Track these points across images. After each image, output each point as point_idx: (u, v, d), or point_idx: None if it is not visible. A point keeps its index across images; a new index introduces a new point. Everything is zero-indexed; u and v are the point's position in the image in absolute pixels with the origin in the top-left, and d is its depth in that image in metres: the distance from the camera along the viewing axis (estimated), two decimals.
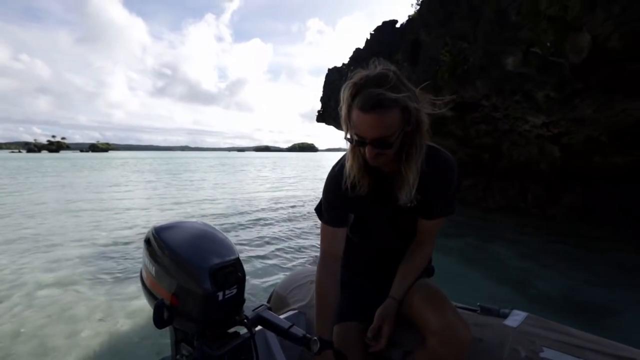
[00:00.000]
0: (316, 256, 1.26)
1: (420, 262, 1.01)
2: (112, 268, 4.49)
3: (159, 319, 0.76)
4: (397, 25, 7.89)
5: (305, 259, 4.90)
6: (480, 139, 8.14)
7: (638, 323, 3.03)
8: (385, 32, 7.96)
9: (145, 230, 0.88)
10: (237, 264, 0.85)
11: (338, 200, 1.01)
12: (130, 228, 6.79)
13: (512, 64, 4.56)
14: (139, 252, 3.63)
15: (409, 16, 7.47)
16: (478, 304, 1.06)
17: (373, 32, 8.13)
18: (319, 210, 1.08)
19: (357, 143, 0.87)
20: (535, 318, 0.96)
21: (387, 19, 8.59)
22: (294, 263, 4.72)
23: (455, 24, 5.72)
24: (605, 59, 3.66)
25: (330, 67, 12.25)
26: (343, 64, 9.15)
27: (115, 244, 5.65)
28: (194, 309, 0.77)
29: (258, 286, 3.87)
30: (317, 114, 14.70)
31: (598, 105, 5.59)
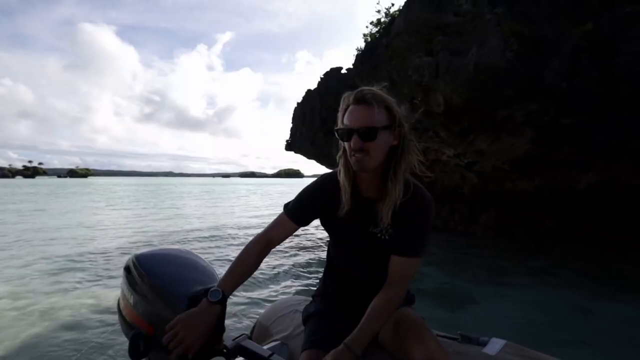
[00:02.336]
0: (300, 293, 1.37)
1: (386, 308, 0.92)
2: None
3: (134, 350, 0.74)
4: (343, 71, 9.36)
5: (290, 287, 4.83)
6: (417, 167, 9.44)
7: (486, 307, 4.08)
8: (333, 77, 9.40)
9: None
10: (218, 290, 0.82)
11: (312, 201, 1.03)
12: None
13: (404, 111, 5.88)
14: None
15: (352, 65, 8.96)
16: (458, 332, 1.07)
17: (323, 77, 9.56)
18: (287, 204, 1.07)
19: (345, 133, 0.89)
20: (513, 346, 0.96)
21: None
22: (279, 292, 4.64)
23: (378, 75, 7.13)
24: (459, 109, 4.99)
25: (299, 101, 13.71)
26: (297, 103, 10.50)
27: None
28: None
29: (242, 315, 3.67)
30: (285, 142, 15.99)
31: (491, 141, 6.98)
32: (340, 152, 0.96)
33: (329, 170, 1.13)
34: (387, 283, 0.96)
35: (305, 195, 1.05)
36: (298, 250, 7.08)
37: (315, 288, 1.22)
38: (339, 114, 0.93)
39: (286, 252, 6.76)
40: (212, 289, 0.87)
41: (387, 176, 0.91)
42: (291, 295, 1.51)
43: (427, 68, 4.75)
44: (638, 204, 8.01)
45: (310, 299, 1.22)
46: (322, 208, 1.03)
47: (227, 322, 3.16)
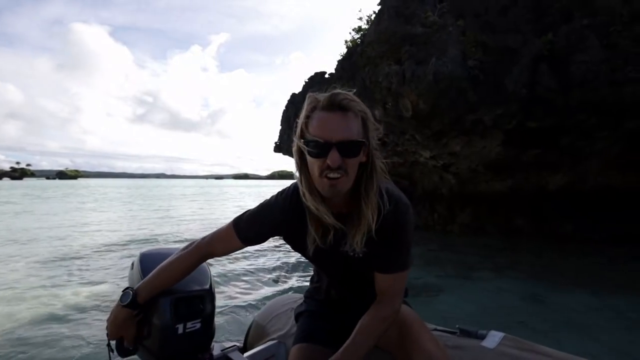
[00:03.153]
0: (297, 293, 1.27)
1: (377, 328, 0.83)
2: None
3: (120, 347, 0.76)
4: (326, 76, 9.68)
5: (286, 285, 4.80)
6: (397, 169, 9.80)
7: (450, 297, 4.40)
8: (316, 81, 9.71)
9: None
10: (205, 296, 0.81)
11: (268, 224, 0.90)
12: None
13: (378, 115, 6.20)
14: None
15: (334, 70, 9.28)
16: (457, 326, 1.05)
17: (307, 80, 9.86)
18: (240, 218, 0.94)
19: (319, 148, 0.72)
20: (512, 338, 0.95)
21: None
22: (275, 291, 4.58)
23: (356, 80, 7.46)
24: (426, 114, 5.34)
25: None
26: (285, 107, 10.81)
27: None
28: (154, 340, 0.75)
29: (239, 320, 3.52)
30: (274, 144, 16.26)
31: (464, 143, 7.36)
32: (300, 173, 0.78)
33: None
34: (378, 301, 0.87)
35: (262, 213, 0.91)
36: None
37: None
38: (301, 120, 0.76)
39: (279, 248, 6.95)
40: (124, 291, 0.85)
41: (358, 196, 0.78)
42: (287, 294, 1.48)
43: (394, 75, 5.09)
44: (603, 202, 8.48)
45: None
46: (280, 230, 0.91)
47: (223, 321, 3.23)
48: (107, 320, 0.87)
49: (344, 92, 0.75)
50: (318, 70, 9.77)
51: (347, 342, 0.81)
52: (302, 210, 0.85)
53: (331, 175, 0.73)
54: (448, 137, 6.95)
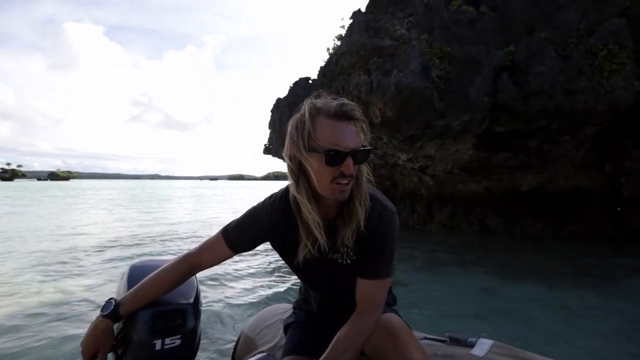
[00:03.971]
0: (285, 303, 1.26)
1: (355, 340, 0.80)
2: None
3: None
4: (310, 81, 10.06)
5: (278, 295, 4.62)
6: (378, 171, 10.21)
7: (414, 290, 4.78)
8: (301, 87, 10.09)
9: None
10: (187, 310, 0.80)
11: (257, 229, 0.91)
12: None
13: None
14: None
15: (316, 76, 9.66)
16: (447, 334, 1.05)
17: (292, 85, 10.24)
18: (228, 225, 0.94)
19: (336, 157, 0.73)
20: (501, 346, 0.95)
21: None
22: (266, 300, 4.40)
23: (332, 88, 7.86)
24: (393, 121, 5.75)
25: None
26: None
27: None
28: (130, 355, 0.74)
29: (228, 331, 3.36)
30: (264, 146, 16.61)
31: (438, 147, 7.79)
32: (296, 179, 0.79)
33: None
34: (357, 311, 0.85)
35: (250, 220, 0.92)
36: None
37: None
38: (304, 132, 0.75)
39: (271, 253, 7.21)
40: (107, 300, 0.84)
41: (351, 196, 0.80)
42: (277, 304, 1.45)
43: (363, 85, 5.49)
44: (571, 201, 8.97)
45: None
46: (269, 237, 0.92)
47: (211, 333, 3.12)
48: (85, 335, 0.84)
49: (349, 102, 0.78)
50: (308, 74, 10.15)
51: (324, 355, 0.78)
52: (290, 216, 0.86)
53: (343, 181, 0.75)
54: (422, 141, 7.36)
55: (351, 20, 6.04)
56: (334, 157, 0.73)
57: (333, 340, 0.81)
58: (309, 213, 0.79)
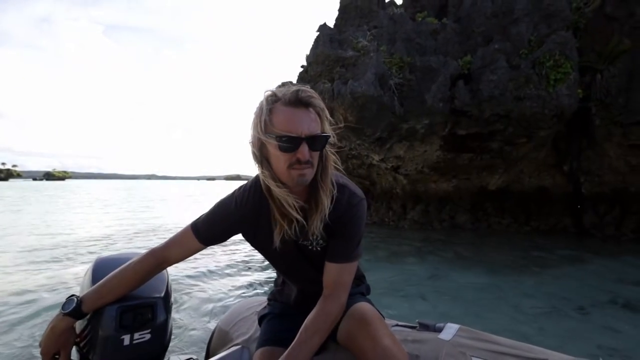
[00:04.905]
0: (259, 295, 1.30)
1: (323, 324, 0.83)
2: None
3: None
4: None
5: (255, 288, 4.64)
6: (357, 170, 10.77)
7: (371, 276, 5.29)
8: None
9: None
10: (156, 304, 0.80)
11: (227, 220, 0.91)
12: None
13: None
14: None
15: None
16: (417, 320, 1.09)
17: (279, 86, 10.78)
18: (198, 219, 0.94)
19: (290, 143, 0.75)
20: (466, 330, 1.00)
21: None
22: (238, 294, 4.36)
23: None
24: (354, 126, 6.32)
25: None
26: None
27: None
28: (96, 353, 0.72)
29: (202, 326, 3.29)
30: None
31: (407, 148, 8.35)
32: (262, 166, 0.81)
33: None
34: (324, 295, 0.88)
35: (220, 212, 0.92)
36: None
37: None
38: (261, 118, 0.77)
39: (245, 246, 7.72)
40: (68, 298, 0.81)
41: (315, 184, 0.82)
42: (253, 297, 1.46)
43: (327, 92, 6.05)
44: (536, 200, 9.59)
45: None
46: (240, 227, 0.93)
47: (184, 328, 3.12)
48: (43, 334, 0.81)
49: (306, 88, 0.78)
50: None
51: (295, 340, 0.81)
52: (261, 204, 0.87)
53: (300, 167, 0.76)
54: (391, 142, 7.93)
55: (318, 33, 6.60)
56: (287, 143, 0.75)
57: (303, 325, 0.84)
58: (280, 193, 0.80)
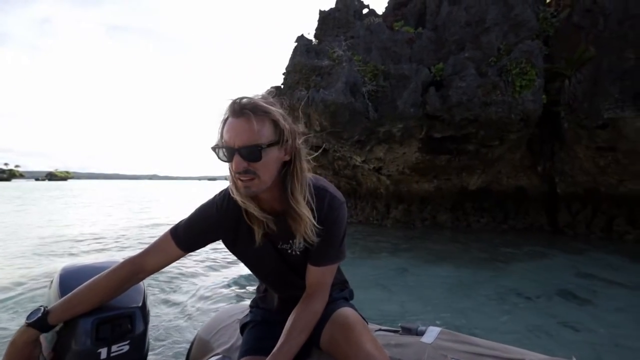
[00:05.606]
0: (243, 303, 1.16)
1: (306, 323, 0.85)
2: None
3: None
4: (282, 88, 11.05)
5: (234, 295, 4.47)
6: (343, 171, 11.19)
7: (345, 270, 5.73)
8: (272, 95, 11.10)
9: None
10: (135, 314, 0.78)
11: (207, 225, 0.90)
12: None
13: (301, 129, 7.58)
14: None
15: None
16: (399, 324, 1.10)
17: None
18: (177, 225, 0.92)
19: (225, 153, 0.77)
20: (448, 332, 1.02)
21: None
22: (224, 300, 4.25)
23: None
24: (329, 130, 6.76)
25: None
26: None
27: None
28: None
29: (181, 335, 3.14)
30: None
31: (386, 150, 8.78)
32: (229, 170, 0.80)
33: None
34: (306, 295, 0.90)
35: (199, 217, 0.91)
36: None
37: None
38: (219, 126, 0.78)
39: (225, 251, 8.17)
40: (36, 308, 0.77)
41: (288, 200, 0.82)
42: (234, 304, 1.37)
43: (303, 99, 6.49)
44: (514, 199, 10.00)
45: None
46: (220, 233, 0.92)
47: (162, 338, 2.93)
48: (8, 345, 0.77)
49: (249, 96, 0.76)
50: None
51: (281, 339, 0.81)
52: (240, 210, 0.86)
53: (241, 179, 0.77)
54: (370, 145, 8.35)
55: (295, 44, 7.04)
56: (221, 154, 0.77)
57: (288, 324, 0.84)
58: (240, 200, 0.82)
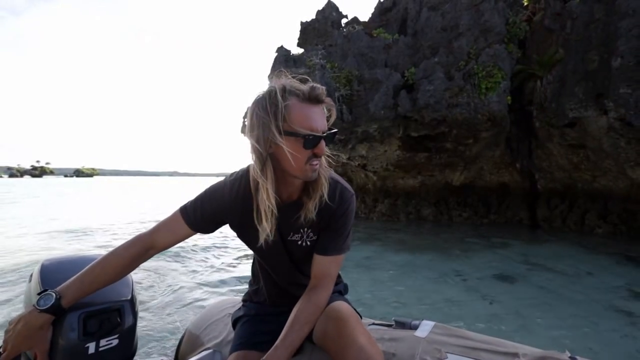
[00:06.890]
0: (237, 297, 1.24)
1: (311, 314, 0.86)
2: None
3: None
4: None
5: (225, 288, 4.41)
6: (334, 168, 11.87)
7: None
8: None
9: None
10: (124, 307, 0.76)
11: (219, 207, 0.91)
12: None
13: None
14: None
15: None
16: (393, 318, 1.10)
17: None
18: (187, 204, 0.93)
19: (311, 140, 0.77)
20: (441, 326, 1.02)
21: None
22: (214, 294, 4.15)
23: None
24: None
25: None
26: None
27: None
28: None
29: (170, 330, 3.10)
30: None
31: (368, 148, 9.42)
32: (263, 162, 0.79)
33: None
34: (311, 285, 0.91)
35: (211, 196, 0.91)
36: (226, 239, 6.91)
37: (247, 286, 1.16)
38: (277, 115, 0.75)
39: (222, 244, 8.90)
40: (45, 293, 0.75)
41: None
42: (225, 298, 1.43)
43: None
44: (497, 195, 10.43)
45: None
46: (229, 216, 0.92)
47: (151, 333, 2.96)
48: (6, 332, 0.75)
49: (316, 84, 0.80)
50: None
51: (285, 330, 0.82)
52: (250, 197, 0.87)
53: (315, 162, 0.81)
54: (352, 144, 9.03)
55: (276, 54, 7.75)
56: (311, 141, 0.77)
57: (292, 316, 0.84)
58: (267, 199, 0.81)
